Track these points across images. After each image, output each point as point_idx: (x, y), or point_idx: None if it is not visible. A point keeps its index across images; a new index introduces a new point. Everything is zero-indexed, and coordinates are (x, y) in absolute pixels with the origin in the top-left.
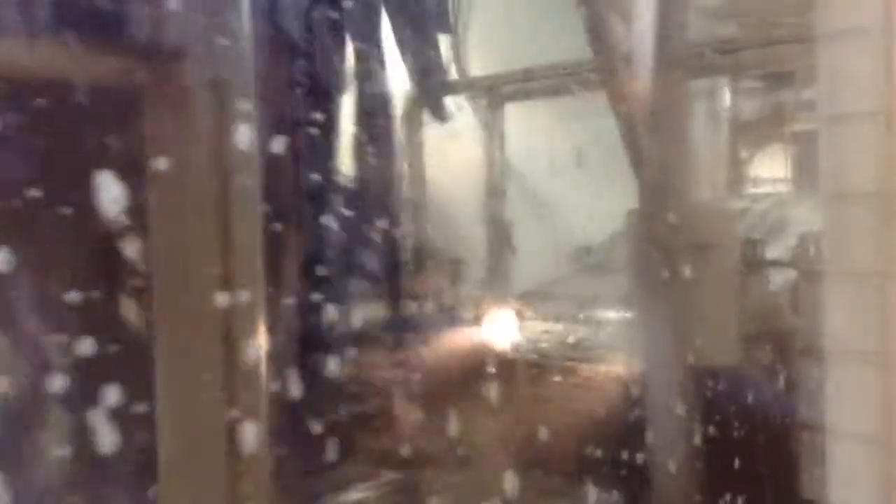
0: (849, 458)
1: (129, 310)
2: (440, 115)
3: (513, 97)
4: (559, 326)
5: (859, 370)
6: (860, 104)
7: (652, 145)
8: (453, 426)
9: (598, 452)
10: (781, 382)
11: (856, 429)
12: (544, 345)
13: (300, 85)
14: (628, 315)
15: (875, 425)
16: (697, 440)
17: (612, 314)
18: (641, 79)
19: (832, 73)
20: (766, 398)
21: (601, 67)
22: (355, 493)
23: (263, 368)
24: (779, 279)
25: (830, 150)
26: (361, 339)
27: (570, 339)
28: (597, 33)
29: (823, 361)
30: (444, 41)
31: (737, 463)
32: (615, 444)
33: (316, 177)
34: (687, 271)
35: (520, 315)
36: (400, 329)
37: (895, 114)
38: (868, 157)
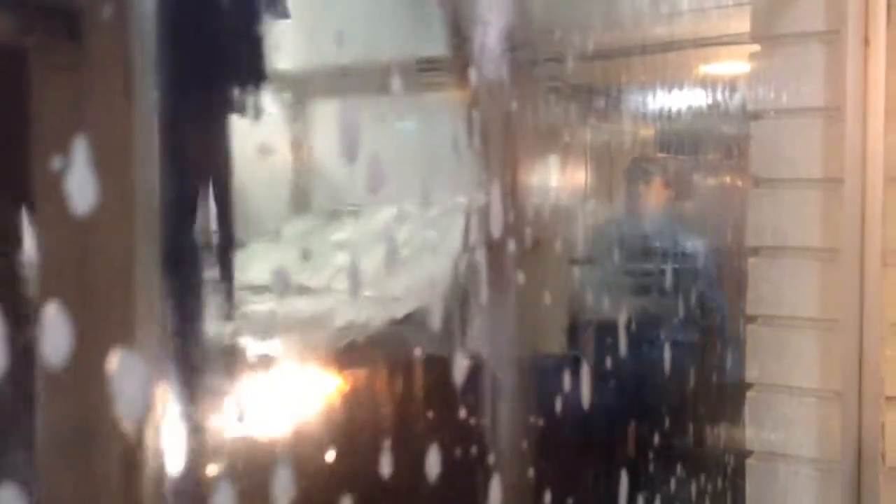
0: (796, 410)
1: None
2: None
3: (326, 93)
4: None
5: (808, 334)
6: (812, 100)
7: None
8: None
9: None
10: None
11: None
12: None
13: None
14: None
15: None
16: None
17: None
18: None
19: (786, 73)
20: None
21: (452, 66)
22: None
23: None
24: None
25: (786, 141)
26: None
27: None
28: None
29: (773, 326)
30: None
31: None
32: None
33: None
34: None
35: None
36: None
37: (841, 108)
38: (816, 147)
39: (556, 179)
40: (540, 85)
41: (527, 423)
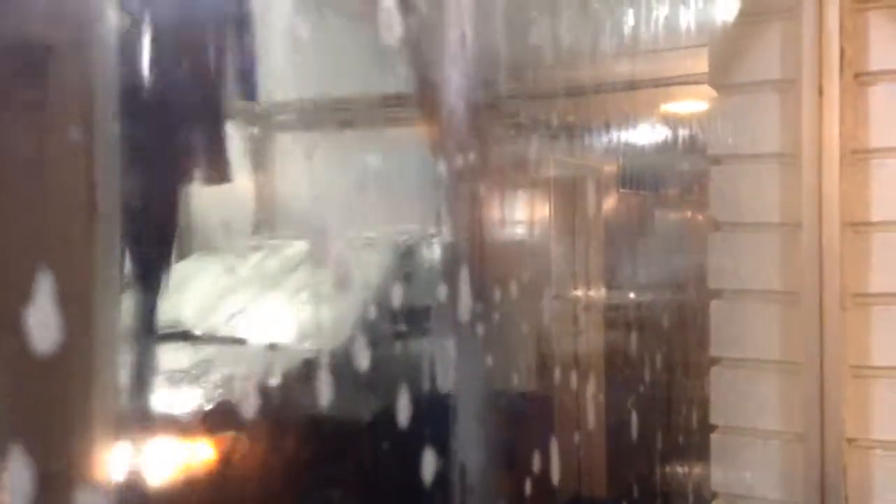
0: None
1: None
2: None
3: (286, 127)
4: None
5: (770, 376)
6: (768, 146)
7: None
8: None
9: None
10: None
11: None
12: None
13: None
14: None
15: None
16: None
17: None
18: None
19: (744, 120)
20: None
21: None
22: None
23: None
24: None
25: (744, 186)
26: None
27: None
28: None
29: (736, 368)
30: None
31: None
32: None
33: None
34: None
35: None
36: None
37: (798, 155)
38: (774, 192)
39: (506, 215)
40: (499, 123)
41: (485, 469)
